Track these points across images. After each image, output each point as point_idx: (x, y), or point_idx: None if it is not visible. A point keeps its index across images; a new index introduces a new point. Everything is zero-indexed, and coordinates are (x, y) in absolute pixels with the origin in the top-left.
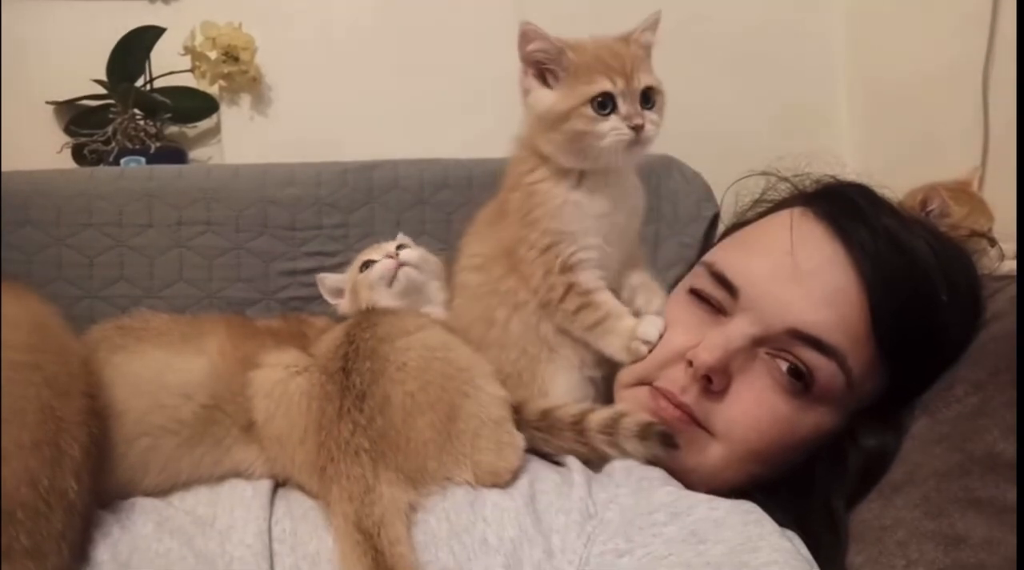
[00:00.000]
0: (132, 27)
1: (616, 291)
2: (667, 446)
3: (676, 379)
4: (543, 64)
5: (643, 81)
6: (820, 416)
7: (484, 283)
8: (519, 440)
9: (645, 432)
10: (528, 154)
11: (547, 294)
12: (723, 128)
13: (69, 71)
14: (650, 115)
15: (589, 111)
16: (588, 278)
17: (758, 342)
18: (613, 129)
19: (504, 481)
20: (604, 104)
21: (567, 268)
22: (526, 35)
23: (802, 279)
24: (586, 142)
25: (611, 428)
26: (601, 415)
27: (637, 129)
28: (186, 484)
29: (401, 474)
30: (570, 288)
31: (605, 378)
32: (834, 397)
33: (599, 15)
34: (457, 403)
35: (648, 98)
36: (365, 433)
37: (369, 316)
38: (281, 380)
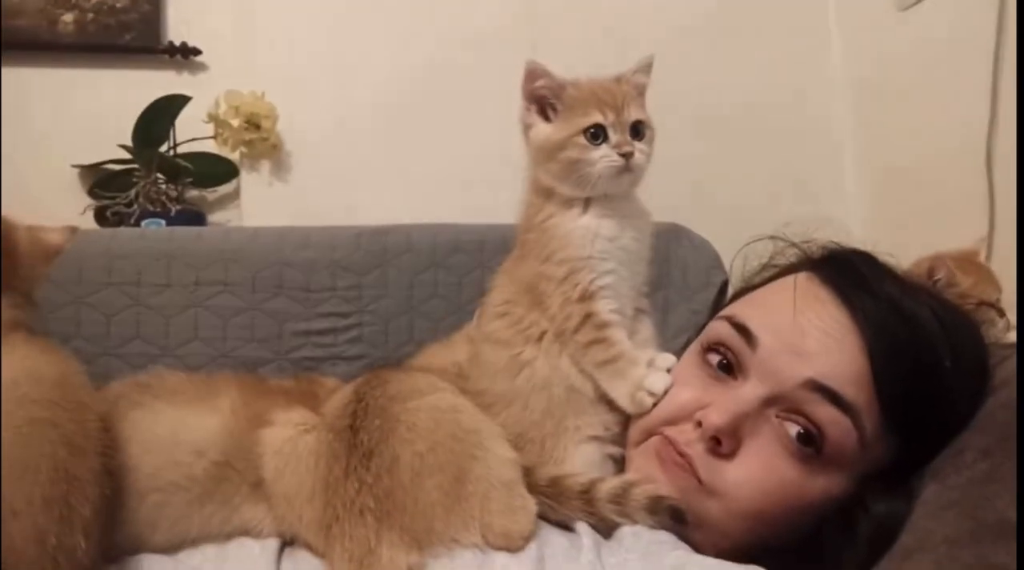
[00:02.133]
0: (159, 95)
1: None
2: (677, 521)
3: (683, 430)
4: (545, 99)
5: (633, 115)
6: (829, 481)
7: (508, 326)
8: (531, 504)
9: (655, 506)
10: (534, 197)
11: (563, 323)
12: (731, 199)
13: (97, 136)
14: (639, 146)
15: (582, 140)
16: (605, 308)
17: (769, 402)
18: (604, 156)
19: (517, 545)
20: (596, 134)
21: (586, 296)
22: (533, 72)
23: (813, 336)
24: (580, 169)
25: (620, 499)
26: (610, 485)
27: (626, 156)
28: (195, 541)
29: (406, 535)
30: (587, 318)
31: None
32: (845, 459)
33: None
34: (466, 466)
35: (638, 131)
36: (371, 492)
37: (379, 375)
38: (290, 438)
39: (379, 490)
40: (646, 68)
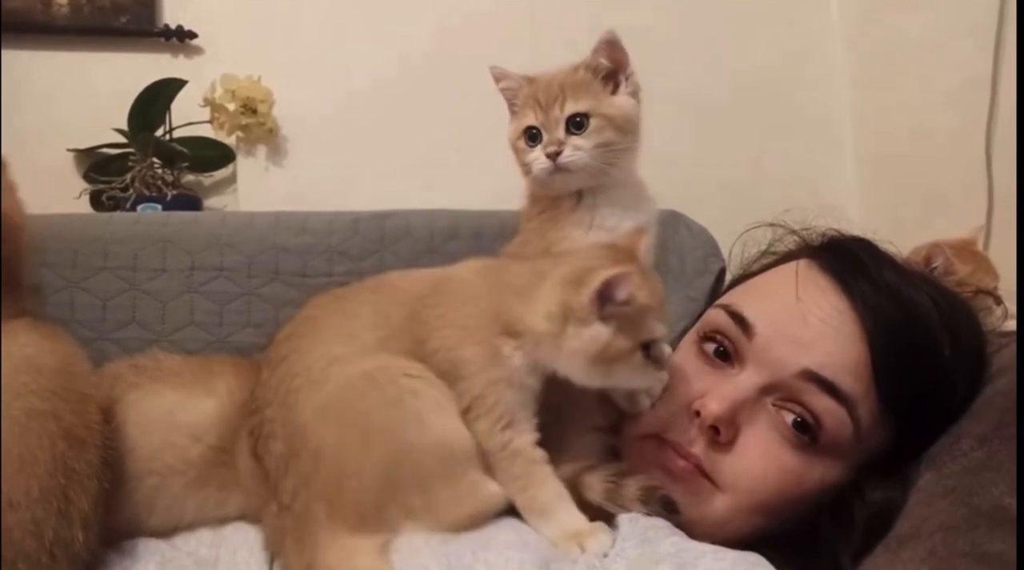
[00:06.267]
0: (155, 79)
1: None
2: (669, 511)
3: (683, 430)
4: (511, 99)
5: (568, 109)
6: (826, 469)
7: None
8: (484, 486)
9: (647, 496)
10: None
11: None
12: (729, 186)
13: (92, 120)
14: (575, 140)
15: (522, 143)
16: None
17: (766, 391)
18: (535, 158)
19: (466, 528)
20: (534, 135)
21: None
22: (494, 76)
23: (812, 325)
24: (527, 170)
25: (612, 491)
26: (602, 476)
27: (551, 156)
28: (191, 525)
29: (342, 531)
30: None
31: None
32: (841, 448)
33: None
34: (395, 457)
35: (579, 123)
36: (290, 513)
37: (271, 364)
38: None
39: (298, 507)
40: (603, 47)
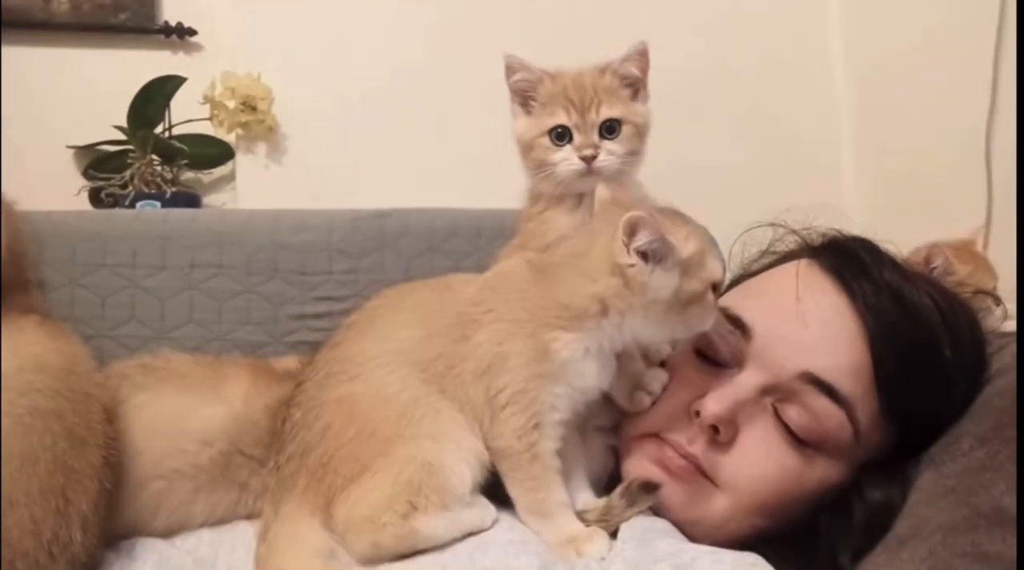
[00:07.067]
0: (154, 76)
1: None
2: (651, 492)
3: (682, 430)
4: (525, 92)
5: (603, 113)
6: (826, 469)
7: None
8: (404, 527)
9: (632, 498)
10: (531, 189)
11: None
12: (729, 185)
13: (92, 117)
14: (609, 145)
15: (546, 141)
16: None
17: (766, 391)
18: (564, 159)
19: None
20: (562, 135)
21: None
22: (510, 67)
23: (812, 326)
24: (545, 169)
25: (606, 516)
26: (595, 515)
27: (587, 159)
28: (200, 526)
29: (304, 511)
30: None
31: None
32: (841, 448)
33: None
34: (380, 455)
35: (612, 129)
36: (278, 475)
37: (327, 346)
38: None
39: (285, 472)
40: (635, 57)
